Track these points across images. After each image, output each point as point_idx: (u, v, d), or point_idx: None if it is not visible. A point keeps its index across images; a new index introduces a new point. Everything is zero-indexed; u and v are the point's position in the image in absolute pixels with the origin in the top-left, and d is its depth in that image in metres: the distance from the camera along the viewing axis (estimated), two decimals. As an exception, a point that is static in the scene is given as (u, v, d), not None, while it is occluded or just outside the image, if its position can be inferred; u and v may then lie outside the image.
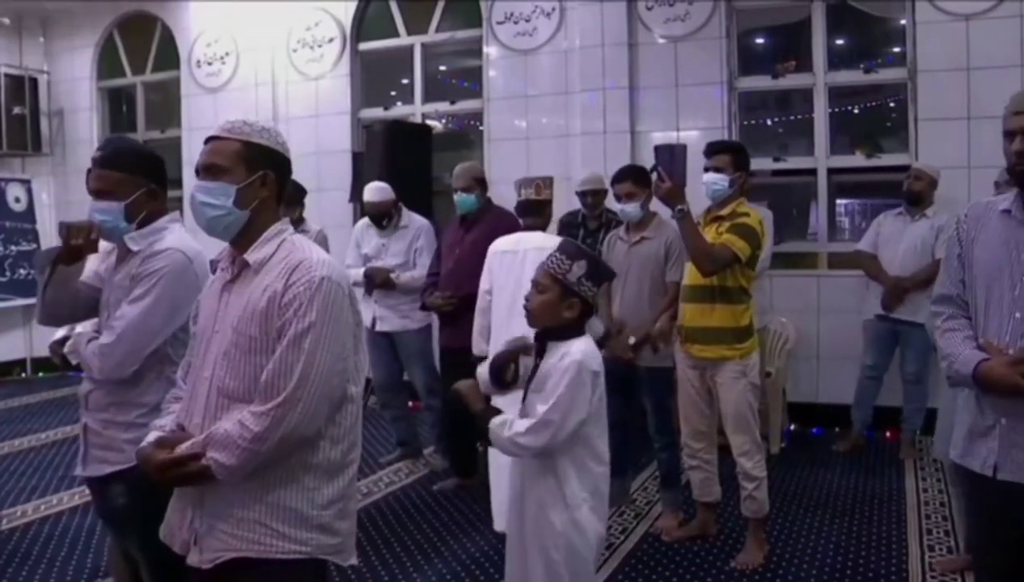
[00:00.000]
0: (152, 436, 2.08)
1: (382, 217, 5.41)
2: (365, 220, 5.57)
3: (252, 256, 2.06)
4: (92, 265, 2.75)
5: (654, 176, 3.93)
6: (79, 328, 2.84)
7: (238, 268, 2.09)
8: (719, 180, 3.96)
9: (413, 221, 5.47)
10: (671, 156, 3.89)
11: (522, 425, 2.49)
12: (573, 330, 2.60)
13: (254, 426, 1.91)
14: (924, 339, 5.41)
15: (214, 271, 2.20)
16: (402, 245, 5.39)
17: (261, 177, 2.08)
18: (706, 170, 4.00)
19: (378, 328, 5.37)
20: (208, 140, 2.13)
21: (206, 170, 2.08)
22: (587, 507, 2.57)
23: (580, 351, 2.53)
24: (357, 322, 2.10)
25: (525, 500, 2.63)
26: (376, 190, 5.40)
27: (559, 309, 2.57)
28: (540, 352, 2.62)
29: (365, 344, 2.12)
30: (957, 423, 2.41)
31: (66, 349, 2.73)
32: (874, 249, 5.64)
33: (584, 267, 2.56)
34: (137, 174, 2.57)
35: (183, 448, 1.96)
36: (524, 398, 2.64)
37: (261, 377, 1.96)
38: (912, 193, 5.51)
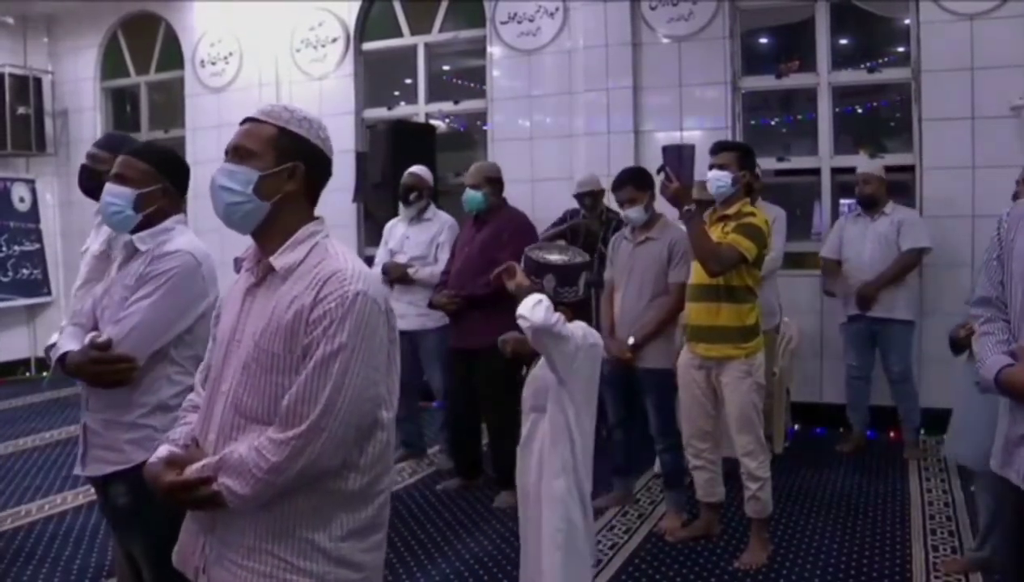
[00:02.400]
0: (163, 451, 1.91)
1: (411, 190, 5.44)
2: (395, 218, 5.61)
3: (279, 261, 1.87)
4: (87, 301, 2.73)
5: (661, 176, 3.92)
6: (54, 337, 2.81)
7: (263, 272, 1.91)
8: (722, 177, 3.95)
9: (439, 216, 5.49)
10: (679, 157, 3.88)
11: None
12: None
13: (272, 456, 1.73)
14: (904, 336, 5.45)
15: (238, 270, 2.06)
16: (424, 237, 5.39)
17: (290, 169, 1.90)
18: (710, 168, 4.00)
19: (399, 327, 5.36)
20: (244, 121, 1.97)
21: (233, 152, 1.92)
22: (583, 472, 2.78)
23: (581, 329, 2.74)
24: (392, 339, 1.92)
25: (544, 468, 2.76)
26: (418, 167, 5.54)
27: (575, 320, 2.77)
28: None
29: (399, 363, 1.99)
30: (997, 432, 2.34)
31: (50, 350, 2.70)
32: (837, 254, 5.69)
33: (552, 279, 2.76)
34: (159, 170, 2.59)
35: (193, 470, 1.80)
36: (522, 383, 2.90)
37: (283, 400, 1.77)
38: (865, 197, 5.58)
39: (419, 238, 5.41)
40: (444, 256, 5.26)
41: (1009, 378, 2.13)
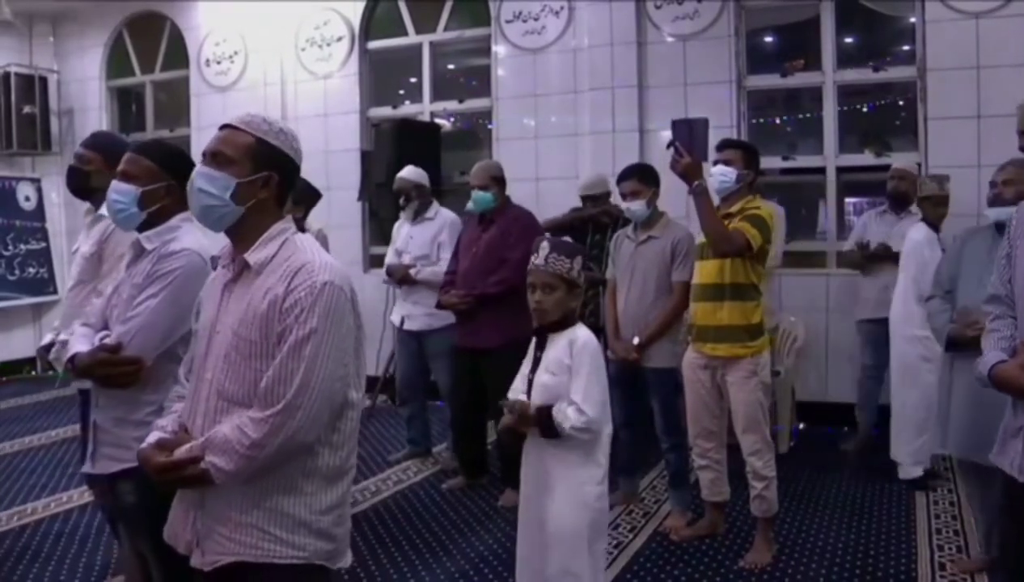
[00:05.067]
0: (153, 437, 2.06)
1: (399, 195, 5.46)
2: (400, 219, 5.62)
3: (253, 257, 2.02)
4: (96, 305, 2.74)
5: (671, 151, 3.83)
6: (63, 335, 2.82)
7: (238, 268, 2.05)
8: (727, 173, 3.93)
9: (440, 214, 5.46)
10: (690, 130, 3.80)
11: (575, 417, 2.73)
12: (571, 318, 2.89)
13: (253, 432, 1.89)
14: None
15: (215, 267, 2.17)
16: (426, 236, 5.39)
17: (264, 178, 2.04)
18: (715, 163, 3.99)
19: (406, 327, 5.40)
20: (223, 127, 2.08)
21: (212, 156, 2.04)
22: (603, 475, 2.84)
23: (585, 335, 2.84)
24: (359, 325, 2.06)
25: (551, 477, 2.81)
26: (407, 169, 5.51)
27: (567, 301, 2.86)
28: (540, 345, 2.91)
29: (365, 348, 2.10)
30: (1002, 424, 2.38)
31: (51, 356, 2.71)
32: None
33: (580, 262, 2.85)
34: (163, 167, 2.61)
35: (182, 451, 1.95)
36: (530, 386, 2.89)
37: (261, 383, 1.93)
38: (899, 193, 5.49)
39: (422, 237, 5.41)
40: (445, 254, 5.25)
41: (1000, 373, 2.20)
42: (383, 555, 4.17)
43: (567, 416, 2.72)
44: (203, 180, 2.02)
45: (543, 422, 2.77)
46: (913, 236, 4.85)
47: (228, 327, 2.00)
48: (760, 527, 4.03)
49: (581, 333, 2.83)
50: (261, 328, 1.95)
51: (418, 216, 5.45)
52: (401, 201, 5.47)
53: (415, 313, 5.34)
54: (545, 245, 2.86)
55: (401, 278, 5.37)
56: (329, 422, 1.98)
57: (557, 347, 2.83)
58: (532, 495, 2.87)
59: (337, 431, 2.02)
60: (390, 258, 5.57)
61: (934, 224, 4.83)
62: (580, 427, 2.72)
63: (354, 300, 2.03)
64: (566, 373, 2.77)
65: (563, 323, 2.86)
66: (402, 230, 5.57)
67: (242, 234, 2.05)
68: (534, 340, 2.94)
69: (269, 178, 2.04)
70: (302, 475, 1.98)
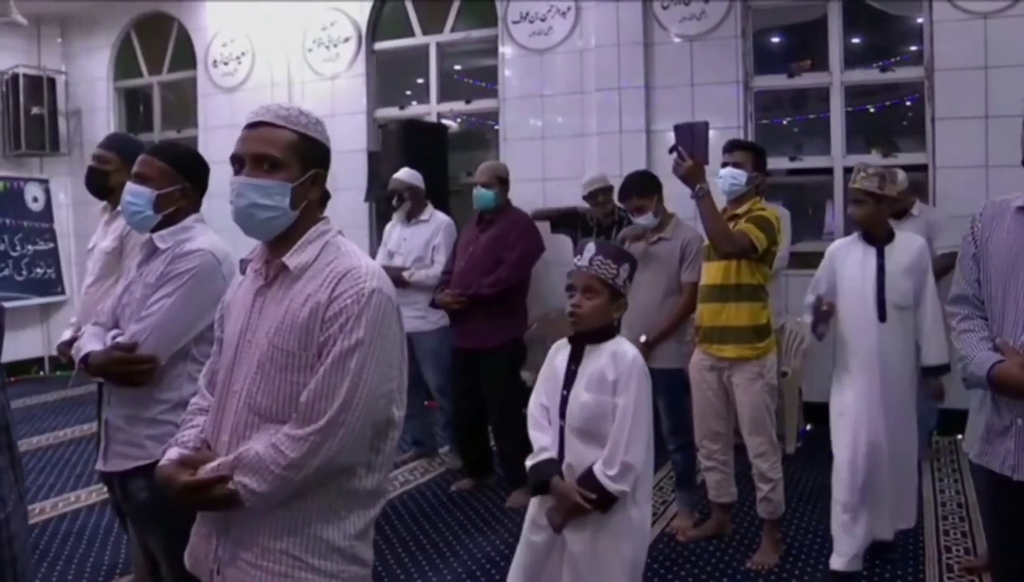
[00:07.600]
0: (173, 453, 1.89)
1: (392, 195, 5.47)
2: (392, 220, 5.61)
3: (293, 260, 1.85)
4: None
5: (674, 156, 3.82)
6: (65, 335, 2.85)
7: (275, 272, 1.88)
8: (738, 175, 3.93)
9: (435, 217, 5.45)
10: (691, 134, 3.80)
11: (619, 479, 2.56)
12: (610, 329, 2.71)
13: (290, 452, 1.72)
14: None
15: (243, 271, 2.05)
16: (420, 240, 5.37)
17: (312, 176, 1.88)
18: (724, 165, 3.98)
19: None
20: (256, 125, 1.87)
21: (257, 160, 1.83)
22: (648, 500, 2.75)
23: (634, 351, 2.65)
24: (402, 337, 1.91)
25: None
26: (402, 170, 5.51)
27: (609, 311, 2.68)
28: (575, 357, 2.70)
29: (407, 360, 1.97)
30: (973, 423, 2.39)
31: (73, 351, 2.74)
32: None
33: (628, 269, 2.67)
34: (178, 169, 2.62)
35: (207, 469, 1.79)
36: (563, 404, 2.68)
37: (300, 397, 1.76)
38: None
39: (416, 240, 5.39)
40: (440, 258, 5.26)
41: (1002, 374, 2.17)
42: (390, 555, 4.18)
43: (604, 472, 2.55)
44: (257, 193, 1.83)
45: (600, 501, 2.57)
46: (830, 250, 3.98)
47: (262, 335, 1.84)
48: (767, 528, 4.03)
49: (628, 348, 2.64)
50: (300, 338, 1.79)
51: (412, 218, 5.44)
52: (394, 202, 5.46)
53: (405, 314, 5.31)
54: (591, 246, 2.66)
55: (394, 280, 5.35)
56: (371, 443, 1.83)
57: (598, 361, 2.63)
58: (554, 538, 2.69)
59: (379, 452, 1.87)
60: (381, 259, 5.53)
61: (871, 232, 3.87)
62: (630, 485, 2.57)
63: (399, 310, 1.90)
64: (610, 391, 2.59)
65: (603, 334, 2.68)
66: (394, 231, 5.54)
67: (283, 237, 1.88)
68: (568, 351, 2.73)
69: (317, 176, 1.89)
70: (338, 497, 1.82)
